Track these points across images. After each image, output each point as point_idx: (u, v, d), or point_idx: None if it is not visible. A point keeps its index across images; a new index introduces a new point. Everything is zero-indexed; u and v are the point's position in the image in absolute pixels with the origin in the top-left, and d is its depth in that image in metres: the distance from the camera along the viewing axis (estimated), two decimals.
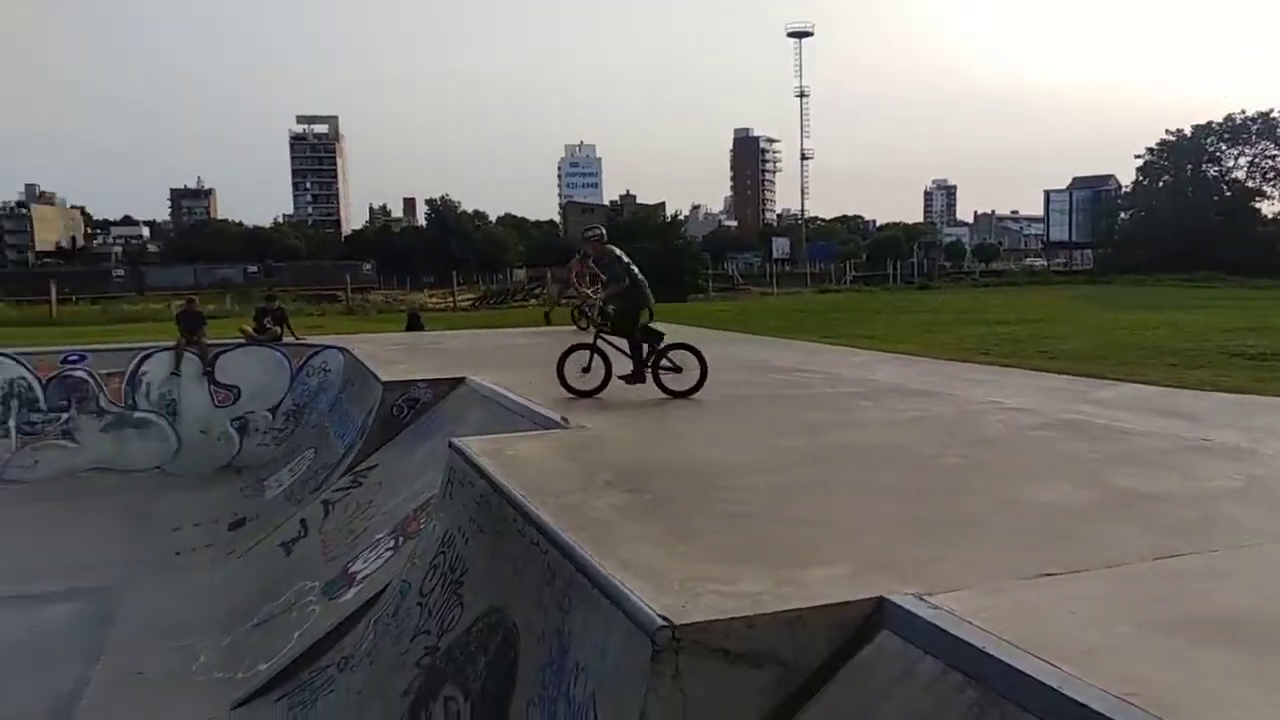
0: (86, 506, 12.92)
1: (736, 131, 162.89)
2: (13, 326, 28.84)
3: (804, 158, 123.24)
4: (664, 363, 9.16)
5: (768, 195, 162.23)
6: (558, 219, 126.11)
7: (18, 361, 15.24)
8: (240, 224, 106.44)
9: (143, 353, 15.99)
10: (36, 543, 11.18)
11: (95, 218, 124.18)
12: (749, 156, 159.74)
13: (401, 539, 7.90)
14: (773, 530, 4.72)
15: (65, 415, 15.09)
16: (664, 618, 3.44)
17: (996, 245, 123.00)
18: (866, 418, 8.19)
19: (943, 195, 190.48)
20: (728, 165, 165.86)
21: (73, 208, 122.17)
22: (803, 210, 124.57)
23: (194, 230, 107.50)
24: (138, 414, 15.47)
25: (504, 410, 9.16)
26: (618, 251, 9.20)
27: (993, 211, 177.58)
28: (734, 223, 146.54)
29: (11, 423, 14.80)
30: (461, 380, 11.39)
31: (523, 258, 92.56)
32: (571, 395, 8.99)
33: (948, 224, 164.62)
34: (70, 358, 15.59)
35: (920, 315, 24.91)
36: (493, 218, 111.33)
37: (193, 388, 15.83)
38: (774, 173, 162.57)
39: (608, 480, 5.82)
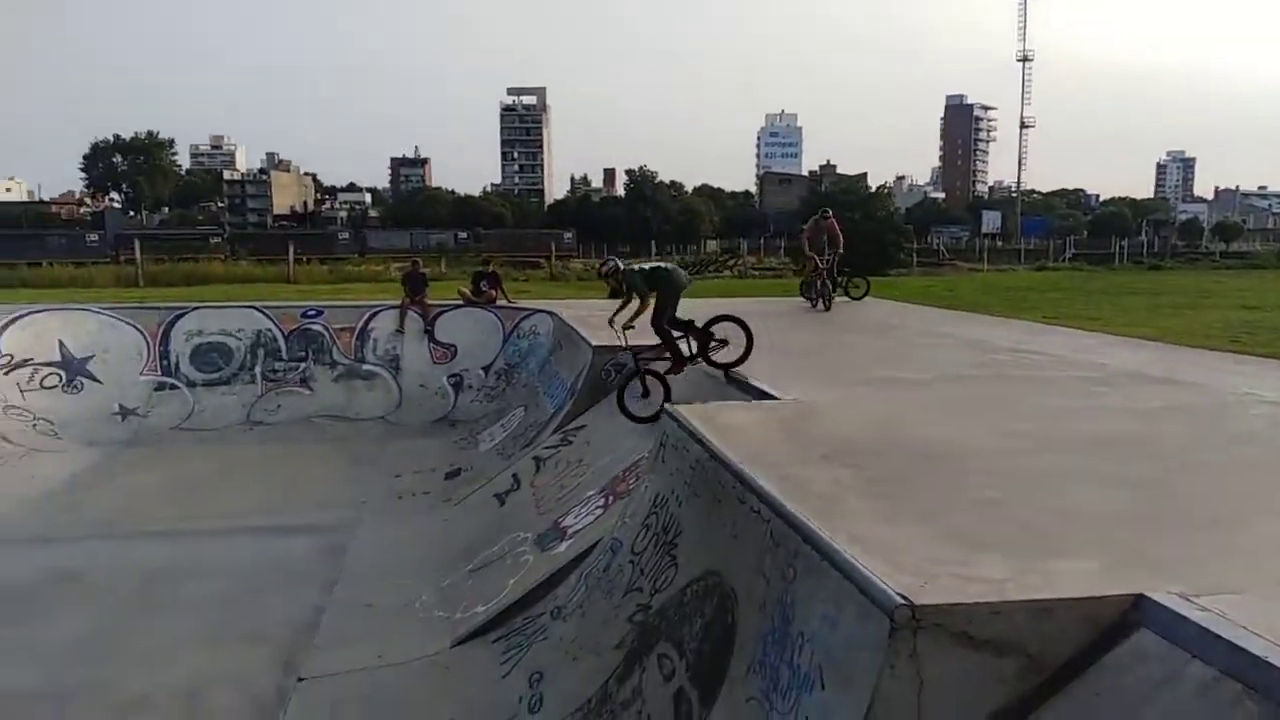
0: (321, 450, 14.00)
1: (949, 98, 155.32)
2: (258, 283, 31.75)
3: (1024, 125, 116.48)
4: (710, 342, 9.22)
5: (979, 166, 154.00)
6: (754, 189, 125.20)
7: (265, 314, 16.73)
8: (452, 192, 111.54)
9: (371, 310, 17.18)
10: (281, 480, 12.27)
11: (325, 184, 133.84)
12: (961, 125, 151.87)
13: (611, 498, 8.08)
14: (1011, 517, 4.47)
15: (303, 365, 16.38)
16: (903, 596, 3.34)
17: (1240, 224, 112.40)
18: (1104, 404, 7.61)
19: (1178, 168, 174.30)
20: (936, 134, 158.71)
21: (306, 174, 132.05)
22: (1019, 182, 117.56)
23: (410, 197, 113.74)
24: (366, 367, 16.60)
25: (708, 379, 9.19)
26: (633, 268, 9.34)
27: (1237, 187, 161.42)
28: (941, 194, 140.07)
29: (258, 370, 16.24)
30: None
31: (717, 229, 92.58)
32: (635, 422, 9.14)
33: (1183, 200, 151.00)
34: (309, 312, 16.93)
35: (1152, 297, 23.02)
36: (689, 188, 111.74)
37: (414, 345, 16.83)
38: (988, 142, 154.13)
39: (825, 454, 5.70)
